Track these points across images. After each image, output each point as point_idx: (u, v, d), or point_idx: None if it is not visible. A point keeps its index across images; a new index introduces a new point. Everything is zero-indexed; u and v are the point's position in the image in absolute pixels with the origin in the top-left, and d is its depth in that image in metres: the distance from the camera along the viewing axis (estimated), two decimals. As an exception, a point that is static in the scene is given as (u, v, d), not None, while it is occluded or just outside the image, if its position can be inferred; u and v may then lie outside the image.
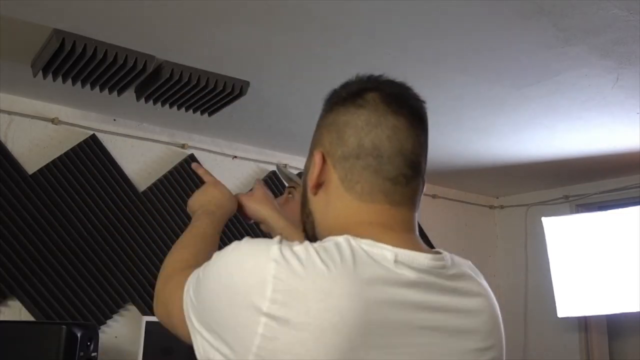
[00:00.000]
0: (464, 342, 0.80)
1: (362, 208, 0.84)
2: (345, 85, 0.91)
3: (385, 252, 0.77)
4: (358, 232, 0.79)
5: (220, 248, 0.81)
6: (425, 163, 0.90)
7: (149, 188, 3.06)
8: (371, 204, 0.84)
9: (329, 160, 0.87)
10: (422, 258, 0.79)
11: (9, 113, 2.72)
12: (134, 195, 2.99)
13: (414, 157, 0.86)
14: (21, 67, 2.38)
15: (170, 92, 2.49)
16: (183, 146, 3.19)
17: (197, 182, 3.18)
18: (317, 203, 0.90)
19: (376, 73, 0.92)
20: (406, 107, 0.87)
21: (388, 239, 0.79)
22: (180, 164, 3.17)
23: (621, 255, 3.50)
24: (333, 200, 0.87)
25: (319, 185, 0.88)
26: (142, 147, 3.10)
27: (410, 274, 0.77)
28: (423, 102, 0.90)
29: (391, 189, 0.84)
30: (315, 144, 0.92)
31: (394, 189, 0.84)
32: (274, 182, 3.45)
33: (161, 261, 3.54)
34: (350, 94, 0.88)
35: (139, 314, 2.90)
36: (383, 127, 0.84)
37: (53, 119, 2.83)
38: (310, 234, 0.92)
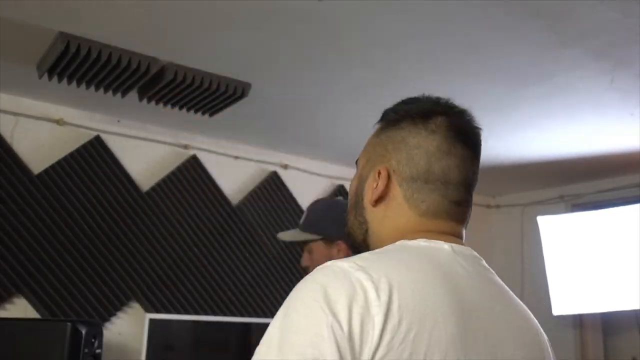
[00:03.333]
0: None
1: (423, 221, 0.91)
2: (414, 102, 0.96)
3: (443, 245, 0.87)
4: (414, 237, 0.88)
5: None
6: None
7: (152, 188, 3.09)
8: (434, 219, 0.91)
9: (394, 177, 0.93)
10: (469, 251, 0.91)
11: (15, 114, 2.75)
12: (137, 195, 3.03)
13: (473, 184, 0.95)
14: (27, 69, 2.41)
15: (173, 94, 2.51)
16: (186, 147, 3.22)
17: (198, 182, 3.22)
18: (374, 214, 0.95)
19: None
20: (472, 138, 0.94)
21: (443, 238, 0.89)
22: (183, 165, 3.20)
23: (615, 253, 3.54)
24: (393, 215, 0.92)
25: (380, 199, 0.93)
26: (145, 147, 3.12)
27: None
28: (481, 130, 0.96)
29: (455, 210, 0.92)
30: (378, 157, 0.96)
31: (457, 210, 0.92)
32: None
33: (163, 259, 3.52)
34: (420, 114, 0.93)
35: (142, 311, 2.94)
36: (452, 156, 0.91)
37: (58, 120, 2.86)
38: (360, 239, 0.98)
